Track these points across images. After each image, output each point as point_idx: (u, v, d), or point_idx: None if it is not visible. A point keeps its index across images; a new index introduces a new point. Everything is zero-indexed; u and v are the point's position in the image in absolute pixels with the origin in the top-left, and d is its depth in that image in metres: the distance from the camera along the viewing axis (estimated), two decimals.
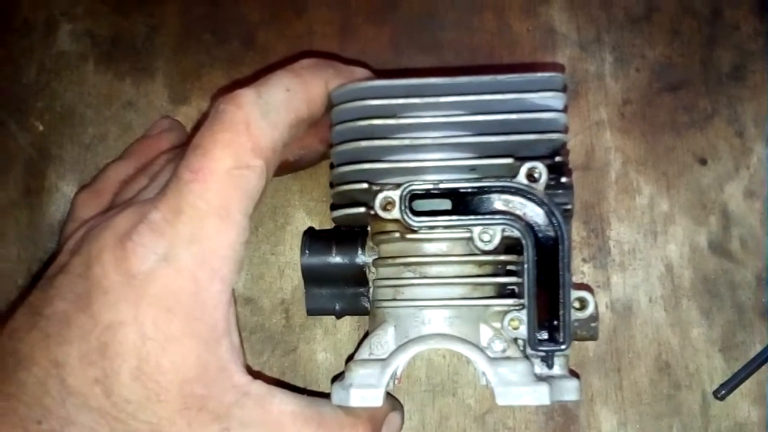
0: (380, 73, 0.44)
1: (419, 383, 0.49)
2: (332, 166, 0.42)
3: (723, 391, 0.47)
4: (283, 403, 0.38)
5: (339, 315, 0.45)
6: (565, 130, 0.40)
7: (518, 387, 0.38)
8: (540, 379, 0.39)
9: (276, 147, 0.38)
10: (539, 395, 0.37)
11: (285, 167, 0.46)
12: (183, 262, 0.36)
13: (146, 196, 0.40)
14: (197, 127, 0.38)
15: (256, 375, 0.38)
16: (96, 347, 0.35)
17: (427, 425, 0.48)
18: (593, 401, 0.48)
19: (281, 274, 0.51)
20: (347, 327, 0.50)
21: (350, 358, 0.41)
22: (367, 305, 0.44)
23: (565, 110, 0.39)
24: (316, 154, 0.47)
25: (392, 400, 0.44)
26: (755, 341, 0.48)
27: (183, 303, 0.36)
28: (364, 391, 0.39)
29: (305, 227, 0.46)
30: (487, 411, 0.48)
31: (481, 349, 0.39)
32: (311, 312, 0.45)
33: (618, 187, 0.50)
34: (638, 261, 0.49)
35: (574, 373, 0.41)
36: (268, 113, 0.38)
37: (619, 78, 0.52)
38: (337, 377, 0.41)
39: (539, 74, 0.39)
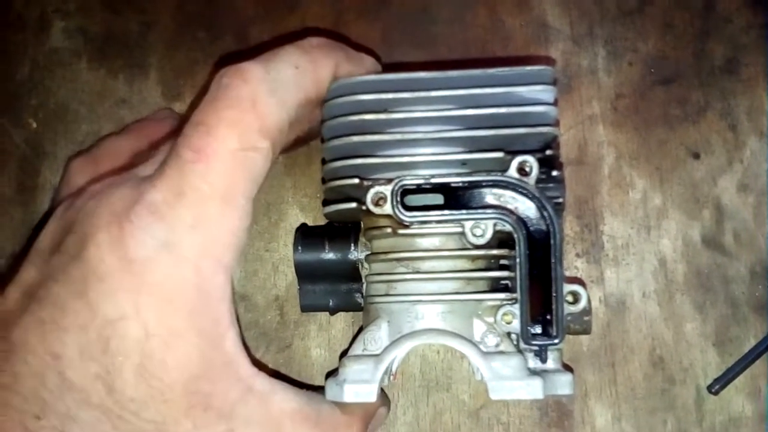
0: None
1: (413, 379, 0.49)
2: (324, 162, 0.42)
3: (717, 386, 0.47)
4: (284, 401, 0.37)
5: (333, 311, 0.45)
6: (556, 124, 0.40)
7: (511, 381, 0.38)
8: (533, 373, 0.39)
9: (283, 128, 0.36)
10: (532, 389, 0.37)
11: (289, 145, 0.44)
12: (185, 249, 0.33)
13: (143, 171, 0.37)
14: (195, 102, 0.36)
15: (257, 365, 0.37)
16: (96, 341, 0.33)
17: (422, 421, 0.48)
18: (587, 396, 0.48)
19: (275, 271, 0.51)
20: (341, 323, 0.50)
21: (344, 354, 0.41)
22: (361, 301, 0.44)
23: (555, 103, 0.39)
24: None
25: (381, 395, 0.44)
26: (749, 335, 0.48)
27: (186, 295, 0.34)
28: (358, 386, 0.39)
29: (299, 224, 0.46)
30: (482, 406, 0.48)
31: (475, 344, 0.39)
32: (305, 308, 0.45)
33: (611, 182, 0.50)
34: (632, 255, 0.49)
35: (567, 368, 0.41)
36: (276, 91, 0.35)
37: (611, 72, 0.52)
38: (332, 373, 0.41)
39: (529, 68, 0.38)
